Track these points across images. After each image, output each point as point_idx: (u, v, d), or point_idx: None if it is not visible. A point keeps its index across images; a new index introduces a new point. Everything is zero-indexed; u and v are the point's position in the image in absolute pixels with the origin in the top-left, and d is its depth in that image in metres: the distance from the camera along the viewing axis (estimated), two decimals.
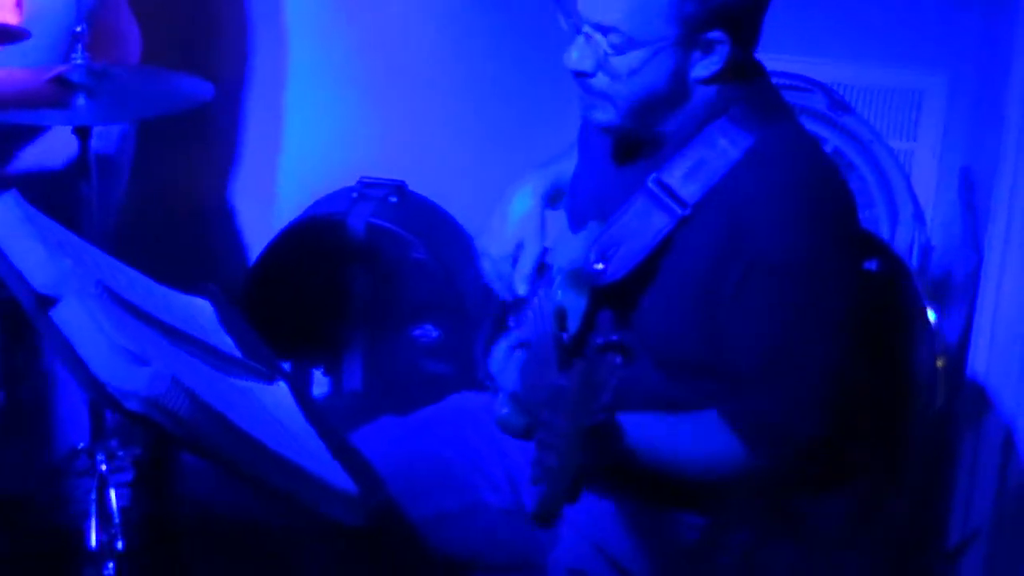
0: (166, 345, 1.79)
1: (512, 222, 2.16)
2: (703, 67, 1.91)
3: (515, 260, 2.15)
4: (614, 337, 1.70)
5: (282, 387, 1.91)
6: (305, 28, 3.61)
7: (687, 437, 1.93)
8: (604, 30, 1.89)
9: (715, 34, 1.88)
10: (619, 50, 1.89)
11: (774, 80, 3.25)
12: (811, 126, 3.30)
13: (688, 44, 1.88)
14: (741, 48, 1.92)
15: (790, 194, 1.88)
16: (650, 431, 1.92)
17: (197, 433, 1.62)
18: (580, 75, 1.94)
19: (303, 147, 3.68)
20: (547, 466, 1.59)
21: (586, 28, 1.91)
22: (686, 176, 1.92)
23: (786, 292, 1.88)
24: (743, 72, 1.96)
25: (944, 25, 3.38)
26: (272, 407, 1.85)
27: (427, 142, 3.62)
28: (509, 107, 3.54)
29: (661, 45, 1.87)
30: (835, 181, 1.96)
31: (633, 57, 1.88)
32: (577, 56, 1.93)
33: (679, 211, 1.91)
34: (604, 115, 1.96)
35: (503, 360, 2.07)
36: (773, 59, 3.31)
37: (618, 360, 1.64)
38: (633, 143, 2.01)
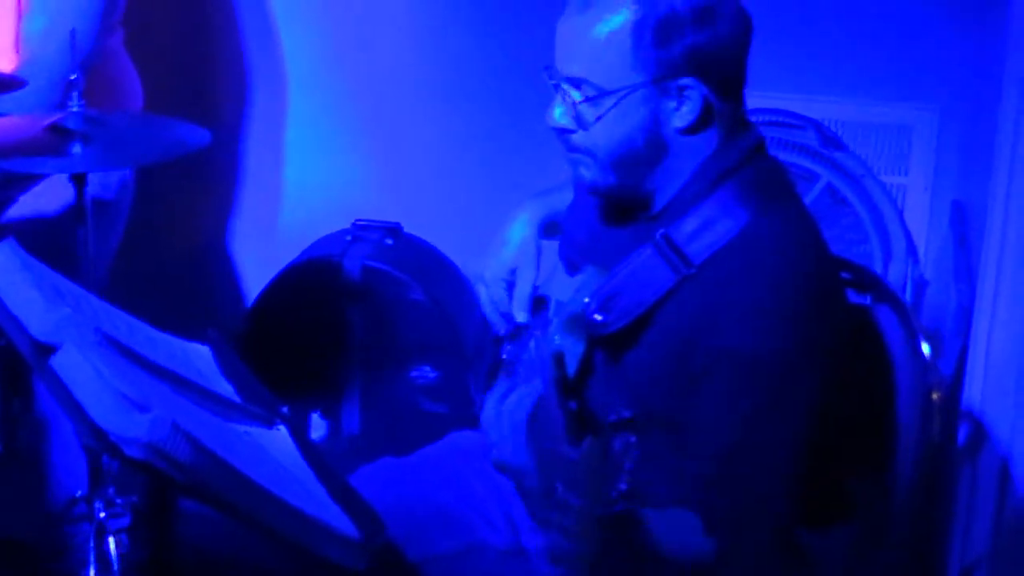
0: (166, 391, 1.80)
1: (509, 248, 2.18)
2: (679, 117, 1.91)
3: (510, 287, 2.16)
4: (627, 414, 1.69)
5: (282, 431, 1.92)
6: (303, 73, 3.64)
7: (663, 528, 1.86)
8: (576, 83, 1.91)
9: (686, 80, 1.89)
10: (591, 101, 1.91)
11: (765, 117, 3.31)
12: (803, 162, 3.33)
13: (659, 92, 1.89)
14: (720, 97, 1.92)
15: (770, 285, 1.87)
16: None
17: (198, 478, 1.62)
18: (562, 133, 1.96)
19: (301, 190, 3.70)
20: (563, 551, 1.59)
21: (562, 84, 1.94)
22: (692, 235, 1.91)
23: (748, 386, 1.86)
24: (732, 127, 1.96)
25: (934, 60, 3.41)
26: (273, 451, 1.86)
27: (423, 184, 3.65)
28: (503, 149, 3.56)
29: (629, 92, 1.89)
30: (822, 276, 1.94)
31: (603, 104, 1.90)
32: (557, 114, 1.95)
33: (684, 269, 1.91)
34: (588, 172, 1.98)
35: (495, 407, 2.06)
36: (765, 96, 3.38)
37: (632, 439, 1.63)
38: (622, 204, 2.02)
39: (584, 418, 1.90)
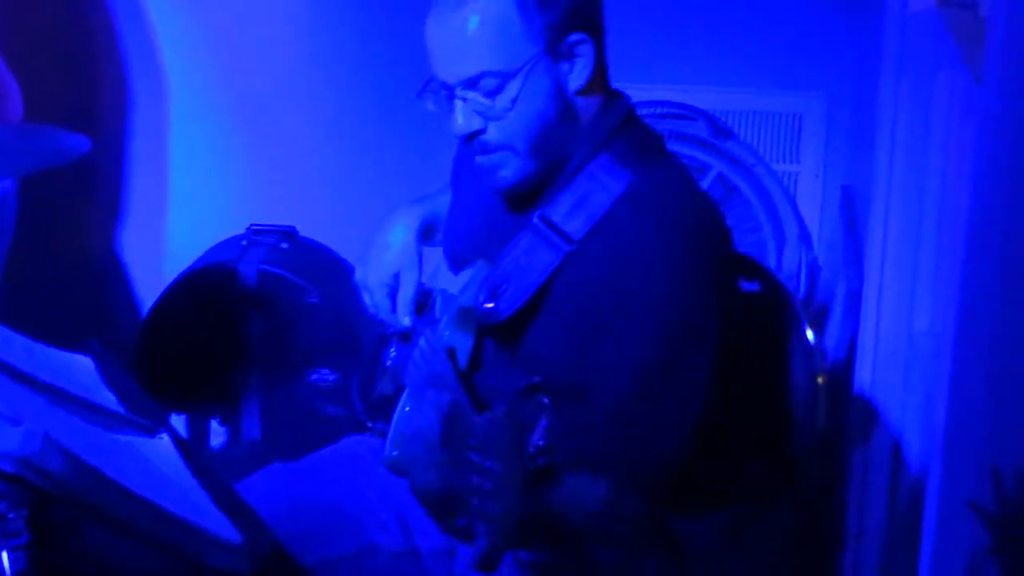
0: (42, 404, 1.78)
1: (390, 253, 2.17)
2: (577, 76, 1.94)
3: (392, 291, 2.16)
4: (537, 378, 1.70)
5: (165, 440, 1.90)
6: (185, 77, 3.61)
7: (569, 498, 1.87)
8: (474, 82, 1.91)
9: (574, 36, 1.91)
10: (497, 90, 1.90)
11: (656, 110, 3.33)
12: (694, 153, 3.35)
13: (554, 56, 1.91)
14: (599, 44, 1.94)
15: (663, 242, 1.90)
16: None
17: (74, 490, 1.60)
18: (471, 137, 1.95)
19: (190, 196, 3.67)
20: (486, 513, 1.58)
21: (458, 92, 1.93)
22: (570, 212, 1.94)
23: (645, 336, 1.89)
24: (609, 94, 1.99)
25: (821, 48, 3.45)
26: (155, 460, 1.84)
27: (317, 187, 3.63)
28: (396, 150, 3.56)
29: (531, 65, 1.89)
30: (708, 223, 1.98)
31: (510, 88, 1.90)
32: (462, 120, 1.94)
33: (565, 246, 1.93)
34: (509, 170, 1.97)
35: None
36: (655, 88, 3.39)
37: (546, 400, 1.64)
38: (533, 193, 2.02)
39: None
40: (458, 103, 1.94)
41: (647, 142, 2.02)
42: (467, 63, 1.91)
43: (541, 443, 1.62)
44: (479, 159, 1.99)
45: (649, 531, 1.95)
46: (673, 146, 3.29)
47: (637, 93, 3.29)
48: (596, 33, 1.95)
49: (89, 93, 3.60)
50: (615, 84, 2.05)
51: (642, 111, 3.33)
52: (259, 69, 3.59)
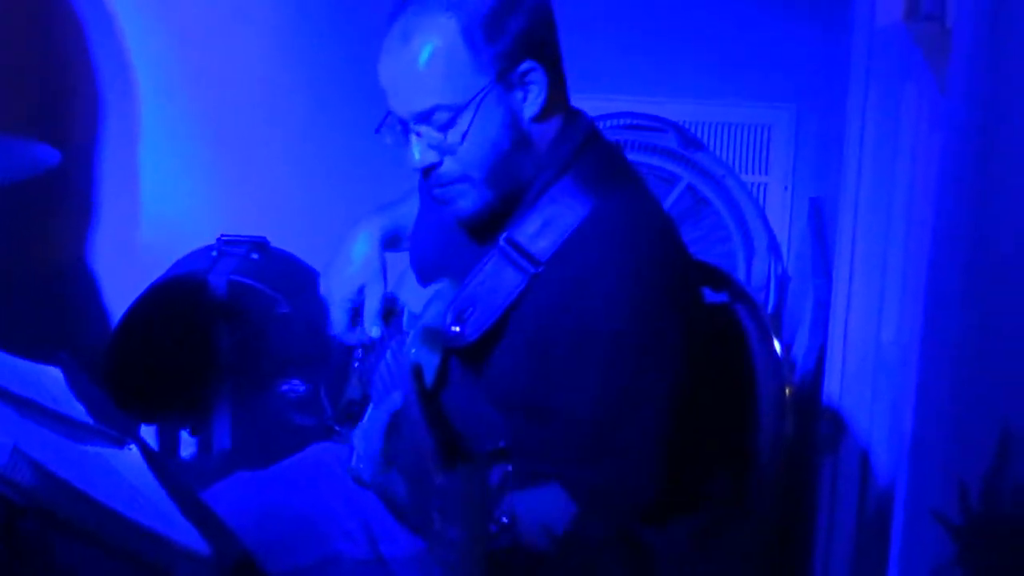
0: (12, 416, 1.77)
1: (353, 267, 2.16)
2: (531, 104, 1.94)
3: (355, 305, 2.15)
4: (502, 443, 1.70)
5: (133, 451, 1.89)
6: (154, 88, 3.61)
7: (533, 510, 1.90)
8: (426, 116, 1.91)
9: (525, 65, 1.91)
10: (449, 123, 1.91)
11: (626, 121, 3.34)
12: (663, 164, 3.37)
13: (506, 85, 1.91)
14: (553, 78, 1.94)
15: (621, 267, 1.90)
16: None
17: (43, 502, 1.60)
18: (429, 170, 1.95)
19: (160, 207, 3.66)
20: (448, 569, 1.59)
21: (411, 126, 1.93)
22: (537, 234, 1.94)
23: (613, 363, 1.90)
24: (568, 115, 1.98)
25: (789, 60, 3.47)
26: (123, 471, 1.84)
27: (287, 197, 3.63)
28: (368, 160, 3.56)
29: (482, 96, 1.90)
30: (671, 253, 1.98)
31: (462, 120, 1.90)
32: (419, 154, 1.94)
33: (532, 269, 1.93)
34: (466, 200, 1.97)
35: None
36: (623, 100, 3.41)
37: (509, 469, 1.64)
38: (495, 222, 2.01)
39: (448, 435, 1.91)
40: (413, 137, 1.94)
41: (609, 161, 2.02)
42: (418, 97, 1.91)
43: (505, 520, 1.61)
44: (436, 192, 1.99)
45: (615, 540, 1.96)
46: (642, 157, 3.34)
47: (607, 105, 3.33)
48: (549, 60, 1.94)
49: (59, 104, 3.60)
50: (585, 96, 2.06)
51: (611, 122, 3.39)
52: (229, 80, 3.59)
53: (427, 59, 1.89)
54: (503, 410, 1.99)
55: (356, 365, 2.20)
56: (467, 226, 2.03)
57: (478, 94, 1.90)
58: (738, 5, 3.46)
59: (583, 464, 1.92)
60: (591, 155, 1.98)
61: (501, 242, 1.95)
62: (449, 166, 1.94)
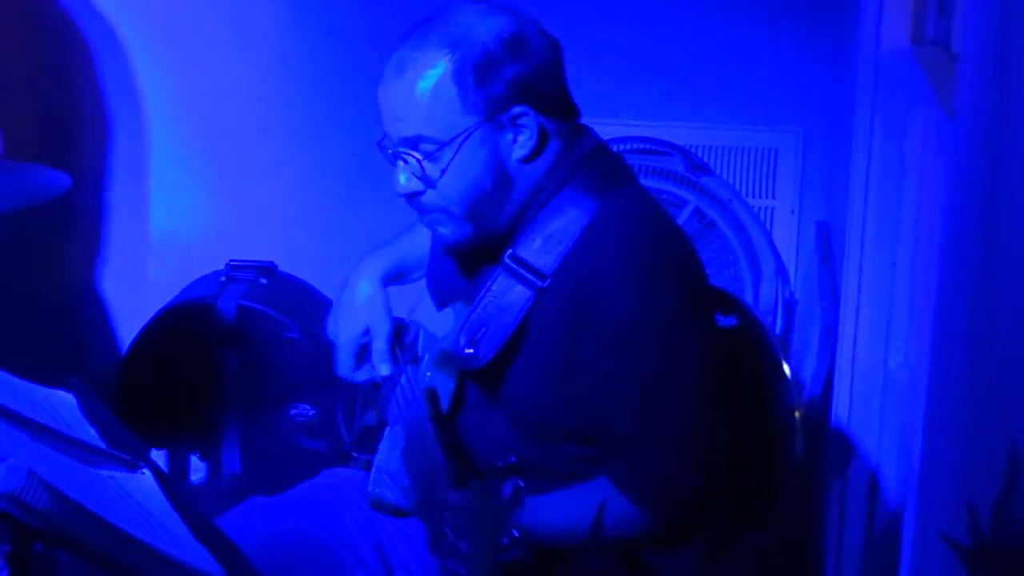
0: (25, 439, 1.78)
1: (356, 311, 2.18)
2: (520, 147, 1.96)
3: (364, 343, 2.16)
4: (512, 459, 1.72)
5: (147, 475, 1.90)
6: (164, 114, 3.63)
7: (582, 510, 1.91)
8: (412, 142, 1.94)
9: (516, 109, 1.93)
10: (432, 157, 1.93)
11: (632, 145, 3.36)
12: (670, 188, 3.37)
13: (494, 129, 1.93)
14: (549, 118, 1.96)
15: (633, 258, 1.93)
16: (546, 512, 1.93)
17: (58, 526, 1.61)
18: (412, 197, 1.98)
19: (170, 232, 3.68)
20: None
21: (399, 151, 1.96)
22: (541, 248, 1.96)
23: (641, 353, 1.92)
24: (570, 140, 2.00)
25: (795, 84, 3.48)
26: (137, 495, 1.84)
27: (295, 222, 3.65)
28: (376, 186, 3.57)
29: (467, 137, 1.92)
30: (676, 241, 2.01)
31: (444, 157, 1.93)
32: (404, 180, 1.97)
33: (538, 283, 1.95)
34: (445, 228, 2.00)
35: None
36: (631, 124, 3.42)
37: (521, 484, 1.65)
38: (484, 254, 2.03)
39: (464, 458, 1.91)
40: (400, 163, 1.97)
41: (612, 169, 2.04)
42: (405, 125, 1.95)
43: (516, 534, 1.62)
44: (420, 218, 2.03)
45: (624, 563, 1.96)
46: (649, 181, 3.35)
47: (614, 129, 3.34)
48: (547, 104, 1.96)
49: (69, 130, 3.61)
50: (593, 120, 2.07)
51: (619, 147, 3.39)
52: (238, 106, 3.60)
53: (417, 92, 1.92)
54: (529, 433, 1.99)
55: (369, 395, 2.21)
56: (452, 252, 2.07)
57: (462, 133, 1.93)
58: (745, 30, 3.47)
59: (636, 460, 1.92)
60: (593, 165, 2.00)
61: (506, 259, 1.96)
62: (430, 196, 1.98)
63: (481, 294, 1.98)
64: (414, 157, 1.94)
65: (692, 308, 1.97)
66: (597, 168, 2.00)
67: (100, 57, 3.58)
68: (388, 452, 2.08)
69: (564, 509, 1.95)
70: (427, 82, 1.92)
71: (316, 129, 3.60)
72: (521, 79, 1.92)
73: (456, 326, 2.00)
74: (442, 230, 2.01)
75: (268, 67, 3.59)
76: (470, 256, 2.08)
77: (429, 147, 1.93)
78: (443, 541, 1.66)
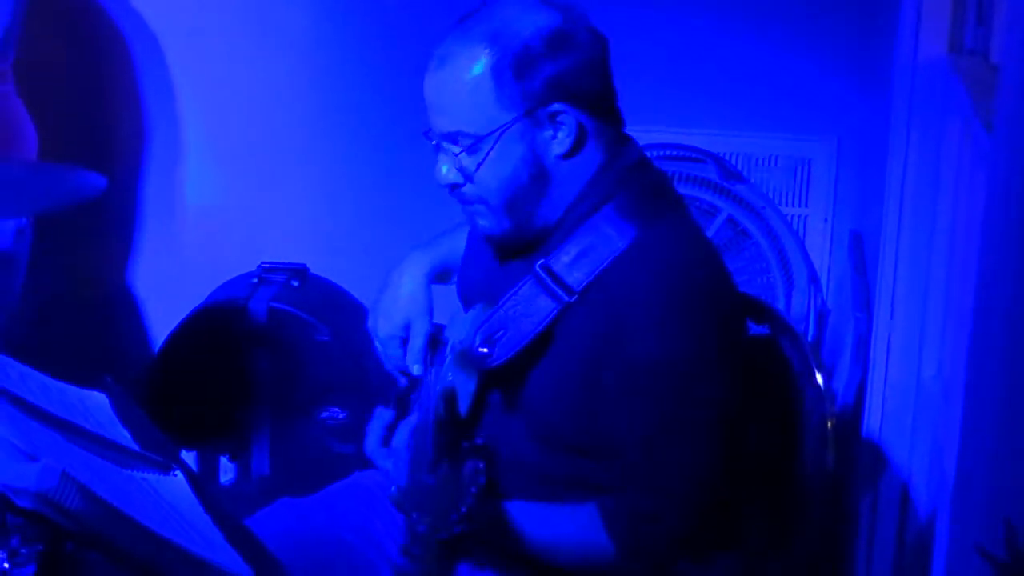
0: (58, 440, 1.79)
1: (399, 304, 2.18)
2: (557, 144, 1.96)
3: (404, 341, 2.17)
4: (479, 441, 1.73)
5: (179, 477, 1.91)
6: (199, 115, 3.64)
7: (561, 529, 1.96)
8: (452, 137, 1.95)
9: (555, 107, 1.93)
10: (470, 151, 1.94)
11: (666, 152, 3.35)
12: (704, 195, 3.37)
13: (532, 124, 1.94)
14: (591, 116, 1.96)
15: (670, 294, 1.92)
16: (526, 520, 1.95)
17: (91, 526, 1.61)
18: (452, 188, 2.00)
19: (202, 234, 3.69)
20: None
21: (441, 143, 1.97)
22: (573, 263, 1.96)
23: (661, 394, 1.91)
24: (612, 145, 1.99)
25: (830, 93, 3.47)
26: (169, 497, 1.85)
27: (327, 224, 3.65)
28: (408, 189, 3.58)
29: (503, 132, 1.93)
30: (717, 281, 1.99)
31: (481, 151, 1.94)
32: (444, 171, 1.99)
33: (565, 297, 1.95)
34: (485, 221, 2.01)
35: (375, 439, 2.09)
36: (665, 131, 3.41)
37: (481, 465, 1.67)
38: (523, 247, 2.04)
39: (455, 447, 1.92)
40: (441, 155, 1.98)
41: (655, 191, 2.03)
42: (444, 119, 1.96)
43: (463, 510, 1.64)
44: (462, 208, 2.04)
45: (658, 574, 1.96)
46: (682, 188, 3.34)
47: (648, 136, 3.34)
48: (588, 102, 1.95)
49: (105, 132, 3.63)
50: (627, 126, 2.06)
51: (652, 153, 3.38)
52: (273, 109, 3.61)
53: (455, 86, 1.93)
54: (544, 443, 1.99)
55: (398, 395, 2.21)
56: (494, 244, 2.07)
57: (499, 128, 1.93)
58: (780, 38, 3.46)
59: (625, 496, 1.93)
60: (636, 184, 1.99)
61: (536, 268, 1.96)
62: (469, 188, 1.99)
63: (506, 297, 1.97)
64: (453, 150, 1.95)
65: (720, 353, 1.96)
66: (640, 187, 1.99)
67: (136, 58, 3.60)
68: (395, 444, 2.09)
69: (544, 523, 1.96)
70: (465, 77, 1.92)
71: (351, 134, 3.61)
72: (561, 76, 1.92)
73: (474, 324, 2.01)
74: (482, 222, 2.02)
75: (304, 70, 3.60)
76: (503, 260, 2.08)
77: (467, 141, 1.94)
78: (408, 524, 1.68)
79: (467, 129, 1.94)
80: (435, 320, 2.20)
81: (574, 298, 1.94)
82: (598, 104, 1.98)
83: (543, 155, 1.96)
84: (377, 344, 2.20)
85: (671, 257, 1.95)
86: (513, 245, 2.05)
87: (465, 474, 1.65)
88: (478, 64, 1.92)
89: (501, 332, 1.96)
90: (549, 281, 1.95)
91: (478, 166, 1.95)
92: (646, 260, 1.93)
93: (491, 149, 1.93)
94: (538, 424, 1.99)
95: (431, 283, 2.22)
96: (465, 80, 1.92)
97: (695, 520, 1.95)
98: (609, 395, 1.92)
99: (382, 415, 2.13)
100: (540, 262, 1.97)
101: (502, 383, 2.01)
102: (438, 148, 1.99)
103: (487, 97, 1.92)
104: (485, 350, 1.96)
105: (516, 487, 1.98)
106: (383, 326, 2.19)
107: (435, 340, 2.17)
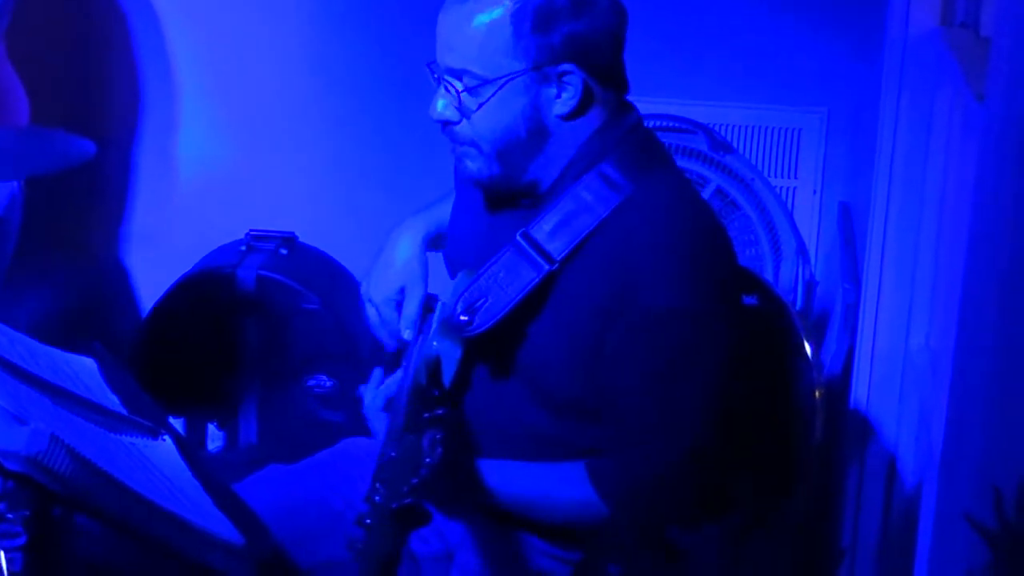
0: (47, 404, 1.79)
1: (395, 268, 2.18)
2: (561, 104, 1.95)
3: (399, 305, 2.16)
4: (439, 411, 1.73)
5: (167, 442, 1.91)
6: (189, 82, 3.62)
7: (549, 487, 1.96)
8: (458, 74, 1.95)
9: (565, 67, 1.93)
10: (472, 91, 1.94)
11: (655, 123, 3.35)
12: (693, 166, 3.36)
13: (539, 79, 1.93)
14: (598, 82, 1.96)
15: (671, 245, 1.92)
16: (512, 479, 1.96)
17: (79, 490, 1.61)
18: (446, 124, 1.99)
19: (194, 200, 3.68)
20: (357, 547, 1.65)
21: (443, 77, 1.96)
22: (553, 231, 1.95)
23: (667, 344, 1.92)
24: (614, 112, 1.99)
25: (819, 64, 3.46)
26: (157, 462, 1.85)
27: (316, 193, 3.65)
28: (397, 157, 3.57)
29: (509, 80, 1.92)
30: (714, 229, 2.00)
31: (484, 94, 1.93)
32: (440, 107, 1.98)
33: (546, 266, 1.94)
34: (473, 164, 2.00)
35: (371, 403, 2.09)
36: (654, 101, 3.41)
37: (439, 436, 1.67)
38: (507, 195, 2.04)
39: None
40: (441, 89, 1.98)
41: (649, 148, 2.03)
42: (455, 54, 1.95)
43: (414, 481, 1.65)
44: (452, 147, 2.03)
45: (648, 542, 1.96)
46: None
47: (638, 106, 3.32)
48: (596, 67, 1.95)
49: (95, 98, 3.61)
50: None
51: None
52: (262, 75, 3.60)
53: (472, 25, 1.92)
54: (545, 407, 1.99)
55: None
56: (476, 185, 2.06)
57: (507, 75, 1.92)
58: (770, 8, 3.45)
59: (622, 451, 1.93)
60: (630, 144, 1.99)
61: (517, 237, 1.96)
62: (463, 128, 1.98)
63: (487, 266, 1.97)
64: (455, 87, 1.95)
65: (723, 301, 1.97)
66: (634, 146, 1.99)
67: (128, 24, 3.58)
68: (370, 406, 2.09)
69: (533, 481, 1.97)
70: (484, 17, 1.92)
71: (342, 103, 3.60)
72: (577, 36, 1.92)
73: (455, 292, 2.00)
74: (471, 164, 2.01)
75: (296, 37, 3.58)
76: (488, 226, 2.07)
77: (472, 81, 1.93)
78: (368, 493, 1.69)
79: (474, 70, 1.93)
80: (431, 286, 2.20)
81: (555, 267, 1.94)
82: (606, 72, 1.97)
83: (544, 112, 1.96)
84: (369, 309, 2.19)
85: (672, 207, 1.96)
86: (497, 193, 2.05)
87: (423, 446, 1.65)
88: (500, 8, 1.91)
89: (482, 300, 1.95)
90: (530, 250, 1.95)
91: (479, 106, 1.94)
92: (644, 214, 1.94)
93: (494, 94, 1.93)
94: (540, 388, 1.99)
95: (427, 249, 2.21)
96: (483, 21, 1.91)
97: (692, 477, 1.94)
98: (614, 350, 1.92)
99: (381, 378, 2.13)
100: (520, 230, 1.96)
101: (502, 348, 2.00)
102: (439, 81, 1.98)
103: (501, 43, 1.91)
104: (465, 318, 1.96)
105: (517, 453, 1.99)
106: (378, 290, 2.18)
107: (427, 307, 2.17)
